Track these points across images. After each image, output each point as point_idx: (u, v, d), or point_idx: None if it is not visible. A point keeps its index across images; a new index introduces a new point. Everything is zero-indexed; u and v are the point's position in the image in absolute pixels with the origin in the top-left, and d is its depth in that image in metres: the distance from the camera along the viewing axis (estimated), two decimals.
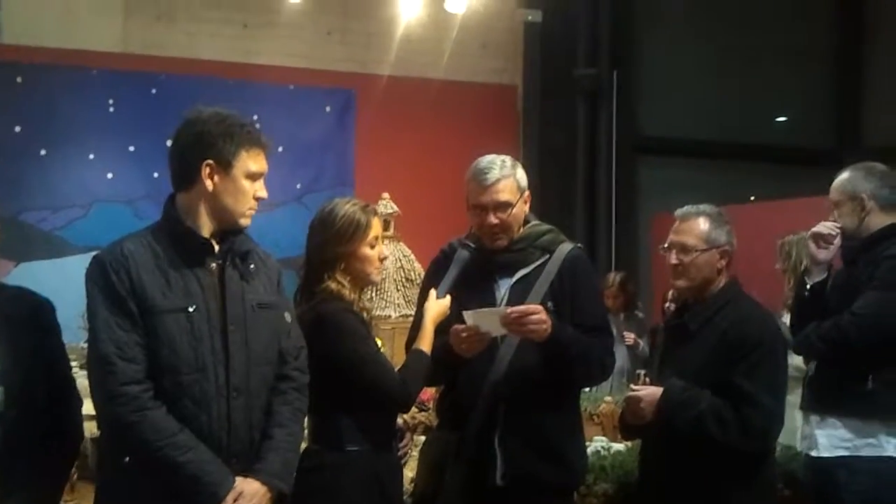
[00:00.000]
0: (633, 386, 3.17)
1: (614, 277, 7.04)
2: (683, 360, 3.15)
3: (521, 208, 3.15)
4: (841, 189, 3.51)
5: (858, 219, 3.46)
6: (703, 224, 3.18)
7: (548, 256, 3.14)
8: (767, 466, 3.17)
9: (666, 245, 3.24)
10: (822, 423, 3.40)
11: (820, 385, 3.41)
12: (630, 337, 6.65)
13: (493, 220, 3.08)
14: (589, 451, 3.48)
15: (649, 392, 3.08)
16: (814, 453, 3.46)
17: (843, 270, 3.58)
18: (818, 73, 9.26)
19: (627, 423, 3.27)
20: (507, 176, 3.10)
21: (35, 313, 2.54)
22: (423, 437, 3.58)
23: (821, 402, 3.42)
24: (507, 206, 3.09)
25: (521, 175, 3.16)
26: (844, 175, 3.52)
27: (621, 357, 6.43)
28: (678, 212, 3.27)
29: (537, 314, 2.91)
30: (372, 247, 2.95)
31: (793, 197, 6.64)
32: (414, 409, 3.70)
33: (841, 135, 9.08)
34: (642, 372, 3.21)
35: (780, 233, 5.56)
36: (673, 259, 3.20)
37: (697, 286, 3.19)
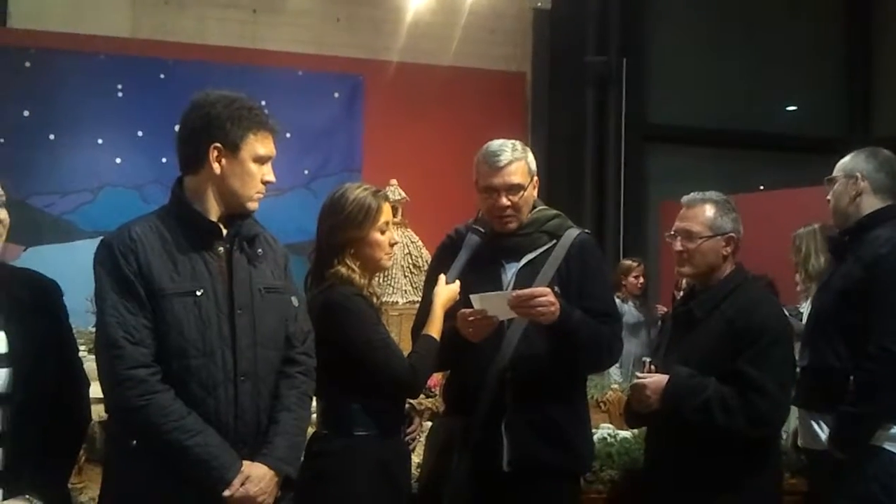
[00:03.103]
0: (638, 374, 3.16)
1: (639, 261, 7.03)
2: (690, 347, 3.14)
3: (531, 192, 3.15)
4: (841, 166, 3.48)
5: (850, 197, 3.40)
6: (708, 211, 3.17)
7: (555, 241, 3.14)
8: (773, 454, 3.16)
9: (671, 232, 3.23)
10: (814, 417, 3.40)
11: (807, 385, 3.39)
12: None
13: (505, 202, 3.08)
14: (595, 438, 3.48)
15: (655, 380, 3.07)
16: (809, 446, 3.46)
17: (832, 266, 3.56)
18: (828, 61, 9.21)
19: (633, 410, 3.26)
20: (519, 158, 3.10)
21: (42, 295, 2.54)
22: (429, 423, 3.58)
23: (810, 400, 3.42)
24: (519, 188, 3.08)
25: (532, 159, 3.17)
26: (849, 155, 3.49)
27: (639, 345, 6.44)
28: (684, 198, 3.26)
29: (545, 297, 2.91)
30: (382, 232, 2.94)
31: (802, 186, 6.62)
32: (420, 394, 3.70)
33: (851, 123, 9.04)
34: (648, 360, 3.21)
35: (788, 222, 5.55)
36: (678, 246, 3.19)
37: (702, 273, 3.19)
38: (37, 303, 2.49)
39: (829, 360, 3.29)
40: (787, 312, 3.49)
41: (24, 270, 2.59)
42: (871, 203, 3.38)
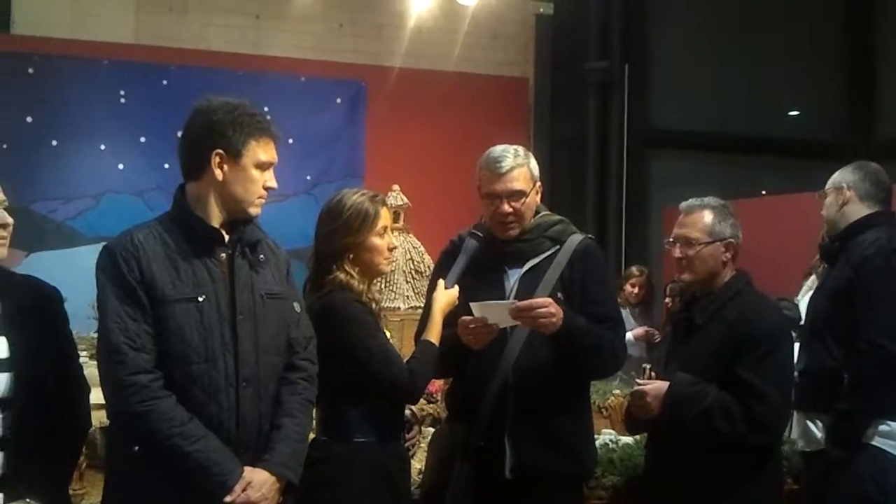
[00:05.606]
0: (638, 380, 3.15)
1: (642, 271, 7.01)
2: (690, 353, 3.13)
3: (534, 198, 3.15)
4: (830, 181, 3.63)
5: (837, 207, 3.56)
6: (706, 217, 3.16)
7: (558, 247, 3.13)
8: (774, 460, 3.15)
9: (671, 239, 3.23)
10: (810, 418, 3.45)
11: (804, 386, 3.42)
12: (640, 332, 6.56)
13: (506, 208, 3.07)
14: (597, 443, 3.48)
15: (655, 386, 3.07)
16: (805, 447, 3.52)
17: (826, 271, 3.68)
18: (830, 67, 9.20)
19: (633, 417, 3.25)
20: (521, 165, 3.10)
21: (43, 301, 2.55)
22: (431, 430, 3.58)
23: (806, 401, 3.44)
24: (521, 194, 3.08)
25: (534, 165, 3.16)
26: (839, 170, 3.63)
27: (640, 350, 6.41)
28: (682, 205, 3.26)
29: (545, 307, 2.90)
30: (381, 237, 2.94)
31: (804, 191, 6.61)
32: (422, 400, 3.70)
33: (853, 128, 9.02)
34: (648, 366, 3.20)
35: (791, 227, 5.54)
36: (677, 252, 3.19)
37: (703, 279, 3.18)
38: (37, 309, 2.50)
39: (825, 361, 3.37)
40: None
41: (25, 277, 2.60)
42: (857, 210, 3.51)
